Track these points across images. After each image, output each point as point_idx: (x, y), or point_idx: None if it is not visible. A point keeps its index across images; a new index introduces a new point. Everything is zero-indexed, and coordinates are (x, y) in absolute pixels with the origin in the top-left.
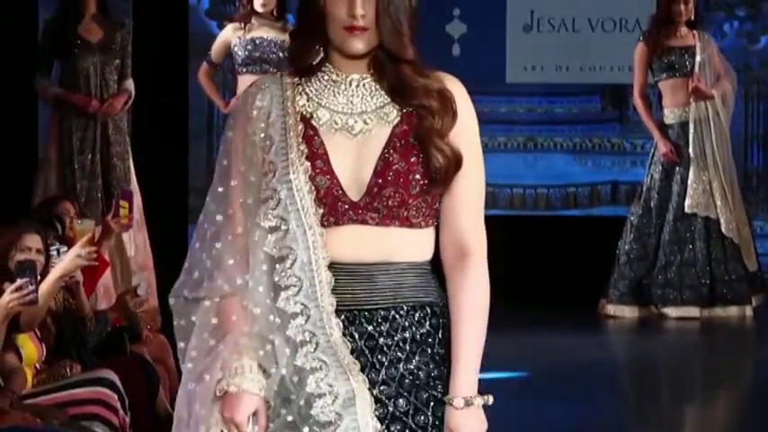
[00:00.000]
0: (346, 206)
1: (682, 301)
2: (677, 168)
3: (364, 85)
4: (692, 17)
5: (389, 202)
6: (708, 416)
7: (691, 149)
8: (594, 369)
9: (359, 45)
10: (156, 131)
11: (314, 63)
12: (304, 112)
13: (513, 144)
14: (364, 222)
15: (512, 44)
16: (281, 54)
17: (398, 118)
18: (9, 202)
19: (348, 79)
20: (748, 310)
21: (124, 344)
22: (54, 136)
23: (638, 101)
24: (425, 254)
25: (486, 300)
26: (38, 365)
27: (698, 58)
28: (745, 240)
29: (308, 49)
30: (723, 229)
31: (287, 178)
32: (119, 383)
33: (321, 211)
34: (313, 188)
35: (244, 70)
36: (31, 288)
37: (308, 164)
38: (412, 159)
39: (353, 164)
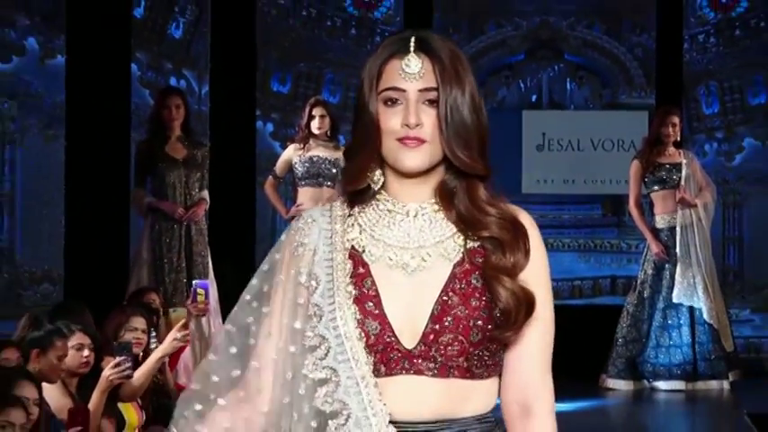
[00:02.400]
0: (399, 354)
1: (670, 377)
2: (666, 265)
3: (424, 215)
4: (679, 139)
5: (447, 351)
6: None
7: (678, 250)
8: (595, 430)
9: (414, 160)
10: (228, 233)
11: (370, 190)
12: (356, 246)
13: None
14: (420, 373)
15: (527, 161)
16: (334, 170)
17: (460, 255)
18: (107, 293)
19: (405, 209)
20: (726, 384)
21: None
22: (146, 237)
23: (633, 209)
24: (490, 404)
25: None
26: (137, 429)
27: (683, 173)
28: (723, 326)
29: (361, 169)
30: (705, 316)
31: (334, 324)
32: None
33: (372, 359)
34: (362, 334)
35: (303, 183)
36: (128, 365)
37: (356, 307)
38: (473, 303)
39: (408, 307)
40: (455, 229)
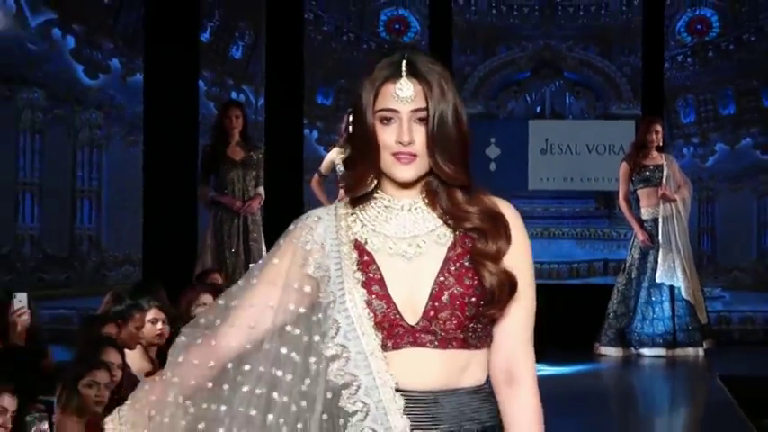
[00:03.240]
0: (403, 330)
1: (653, 345)
2: (650, 251)
3: (416, 209)
4: (661, 144)
5: (446, 325)
6: (672, 423)
7: (660, 237)
8: (589, 391)
9: (407, 173)
10: (280, 223)
11: (368, 191)
12: (359, 239)
13: (533, 233)
14: (423, 345)
15: (532, 162)
16: None
17: (452, 240)
18: (179, 273)
19: (400, 204)
20: (701, 351)
21: None
22: (210, 226)
23: (622, 203)
24: (483, 376)
25: (537, 426)
26: None
27: (665, 173)
28: (698, 301)
29: (362, 177)
30: (683, 294)
31: (344, 307)
32: None
33: (380, 335)
34: (371, 313)
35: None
36: None
37: (364, 290)
38: (467, 282)
39: (409, 288)
40: (443, 221)
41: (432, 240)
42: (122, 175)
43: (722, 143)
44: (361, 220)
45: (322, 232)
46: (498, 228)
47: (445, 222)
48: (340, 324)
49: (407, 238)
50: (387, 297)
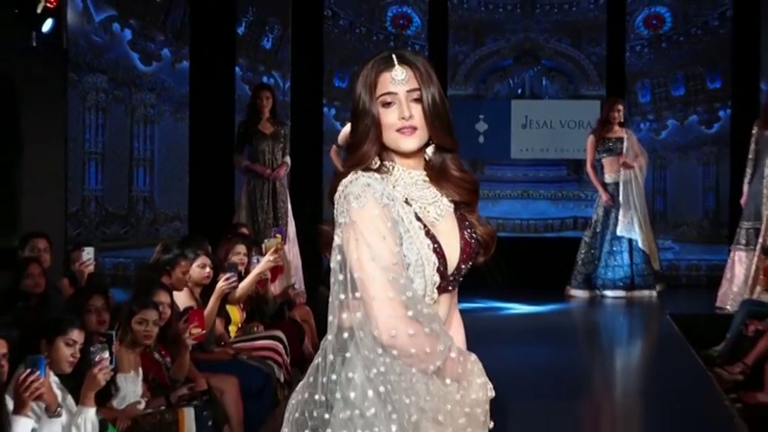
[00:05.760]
0: (444, 281)
1: (614, 287)
2: (612, 209)
3: (425, 180)
4: (622, 120)
5: (461, 273)
6: (629, 352)
7: (621, 198)
8: (560, 326)
9: (411, 143)
10: (304, 186)
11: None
12: (407, 199)
13: (515, 194)
14: (448, 292)
15: (514, 135)
16: None
17: (452, 206)
18: (218, 228)
19: (418, 175)
20: (654, 293)
21: (285, 313)
22: (245, 190)
23: (589, 170)
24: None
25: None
26: (239, 325)
27: (625, 145)
28: (652, 252)
29: (367, 155)
30: (640, 245)
31: (415, 248)
32: (283, 337)
33: (437, 280)
34: (434, 261)
35: None
36: (234, 278)
37: (429, 241)
38: (472, 239)
39: (447, 246)
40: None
41: (444, 205)
42: (171, 145)
43: (673, 119)
44: (395, 186)
45: (388, 192)
46: (476, 197)
47: (443, 195)
48: (410, 261)
49: (433, 203)
50: (440, 252)
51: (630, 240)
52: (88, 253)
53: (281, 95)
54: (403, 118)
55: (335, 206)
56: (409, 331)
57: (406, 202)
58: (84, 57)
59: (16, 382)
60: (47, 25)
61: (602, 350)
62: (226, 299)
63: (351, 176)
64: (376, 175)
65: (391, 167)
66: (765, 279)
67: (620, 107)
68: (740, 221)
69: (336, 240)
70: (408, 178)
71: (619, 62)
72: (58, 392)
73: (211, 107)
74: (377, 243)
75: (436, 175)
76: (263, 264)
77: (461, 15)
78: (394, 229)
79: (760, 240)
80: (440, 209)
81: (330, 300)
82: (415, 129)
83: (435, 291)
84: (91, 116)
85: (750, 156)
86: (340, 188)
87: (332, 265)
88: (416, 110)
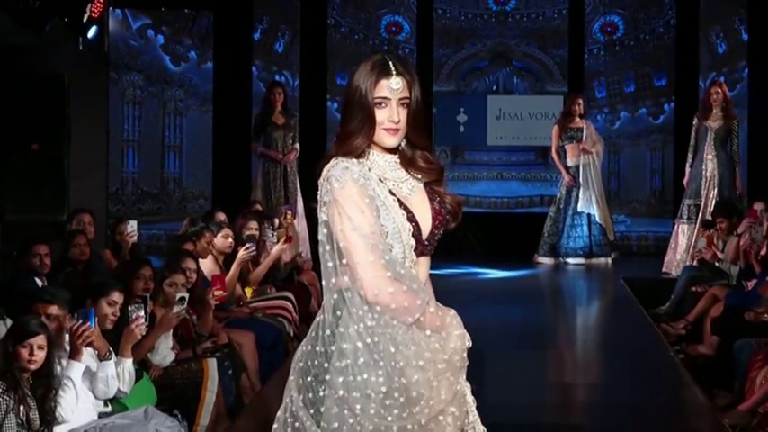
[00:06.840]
0: (420, 245)
1: (576, 255)
2: (574, 188)
3: (397, 162)
4: (582, 112)
5: (435, 239)
6: (588, 311)
7: (581, 179)
8: (529, 289)
9: (394, 141)
10: (310, 170)
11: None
12: (380, 178)
13: (491, 176)
14: (426, 255)
15: (490, 125)
16: None
17: (422, 183)
18: (238, 205)
19: (392, 160)
20: (609, 260)
21: (294, 277)
22: (260, 172)
23: (554, 155)
24: None
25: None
26: (254, 287)
27: (584, 134)
28: (608, 225)
29: (359, 149)
30: (597, 219)
31: (391, 218)
32: (293, 298)
33: (413, 244)
34: (409, 228)
35: None
36: (253, 249)
37: (402, 211)
38: (442, 209)
39: (420, 216)
40: (411, 175)
41: (415, 182)
42: (197, 134)
43: (625, 112)
44: (370, 168)
45: (364, 173)
46: (441, 177)
47: (412, 176)
48: (387, 230)
49: (405, 181)
50: (414, 219)
51: (589, 215)
52: (132, 226)
53: (291, 91)
54: (392, 120)
55: (320, 188)
56: (389, 289)
57: (381, 180)
58: (123, 59)
59: (69, 331)
60: (91, 32)
61: (565, 309)
62: (247, 268)
63: (332, 162)
64: (353, 159)
65: (368, 152)
66: (708, 249)
67: (580, 101)
68: (683, 199)
69: (322, 217)
70: (382, 161)
71: (579, 63)
72: None
73: (232, 101)
74: (357, 216)
75: (407, 163)
76: (274, 252)
77: (445, 23)
78: (371, 203)
79: (700, 216)
80: (411, 185)
81: (321, 268)
82: (398, 130)
83: (413, 253)
84: (128, 109)
85: (691, 143)
86: (324, 172)
87: (319, 237)
88: (403, 114)
